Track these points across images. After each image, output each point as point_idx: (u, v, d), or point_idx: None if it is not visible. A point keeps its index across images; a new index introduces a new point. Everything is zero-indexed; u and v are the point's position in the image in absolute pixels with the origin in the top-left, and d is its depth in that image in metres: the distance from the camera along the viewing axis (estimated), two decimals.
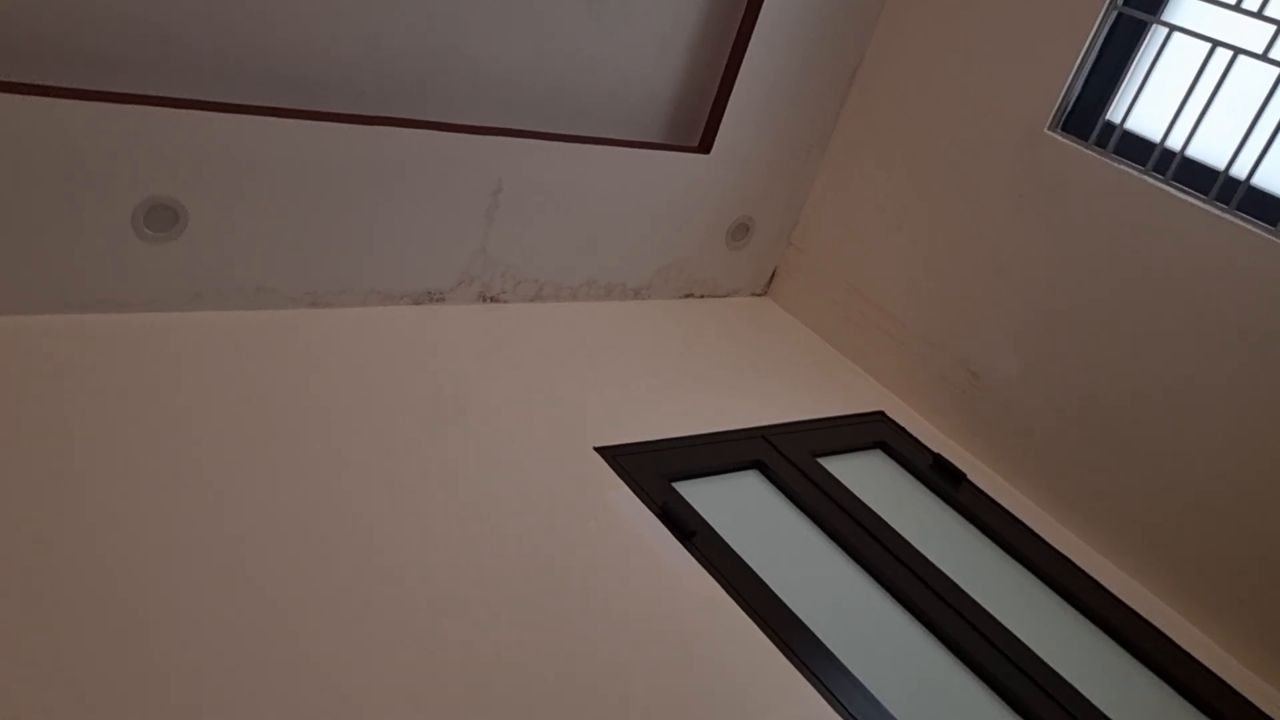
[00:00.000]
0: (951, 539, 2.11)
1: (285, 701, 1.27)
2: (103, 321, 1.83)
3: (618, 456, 1.94)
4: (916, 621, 1.83)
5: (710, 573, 1.73)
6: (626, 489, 1.86)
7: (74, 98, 1.66)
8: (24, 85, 1.63)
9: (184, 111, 1.76)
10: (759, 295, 2.87)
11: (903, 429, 2.42)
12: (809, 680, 1.58)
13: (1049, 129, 2.24)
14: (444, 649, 1.42)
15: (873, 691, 1.60)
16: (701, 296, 2.74)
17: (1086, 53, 2.18)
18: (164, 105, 1.74)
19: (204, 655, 1.29)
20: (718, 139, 2.48)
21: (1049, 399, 2.25)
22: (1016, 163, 2.29)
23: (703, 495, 1.95)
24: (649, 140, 2.47)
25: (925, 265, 2.49)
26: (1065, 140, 2.21)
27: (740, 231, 2.69)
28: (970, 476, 2.28)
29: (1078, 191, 2.18)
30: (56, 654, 1.23)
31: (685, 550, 1.76)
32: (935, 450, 2.35)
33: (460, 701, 1.35)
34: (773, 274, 2.86)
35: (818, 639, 1.67)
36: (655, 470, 1.95)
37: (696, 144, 2.52)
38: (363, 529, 1.58)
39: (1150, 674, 1.90)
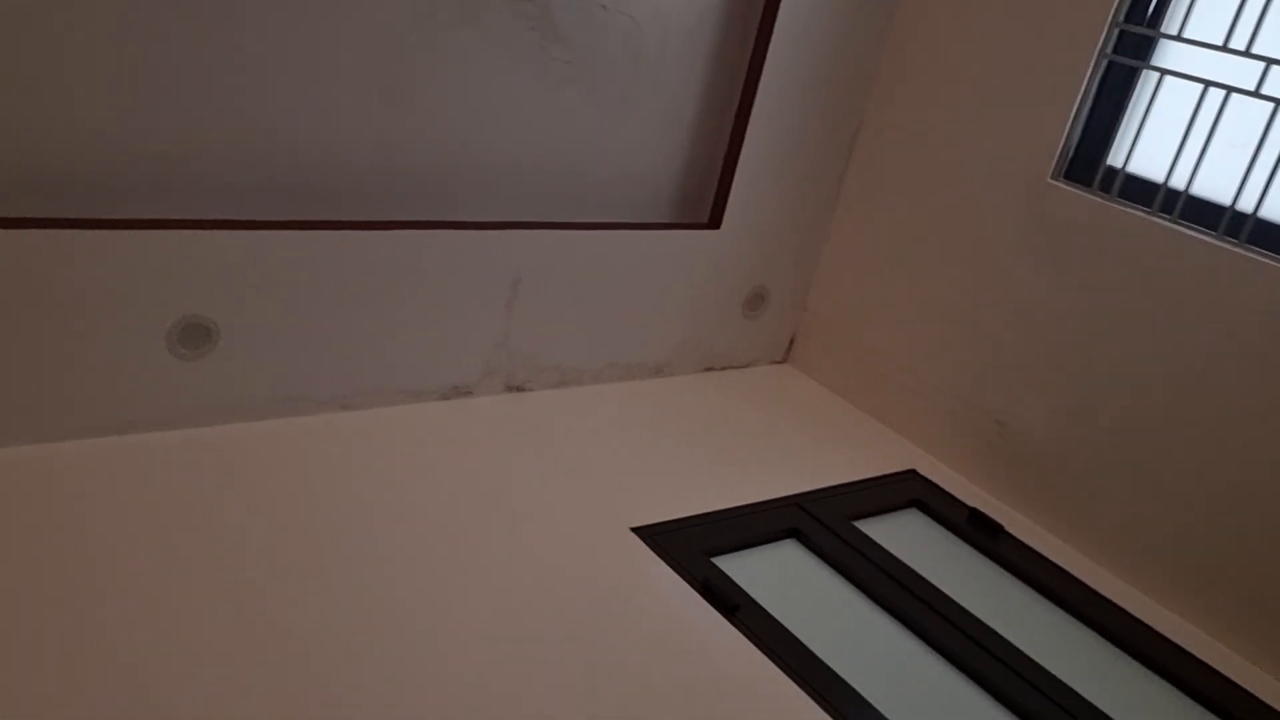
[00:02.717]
0: (995, 592, 2.09)
1: None
2: (142, 441, 1.87)
3: (655, 535, 1.95)
4: (967, 678, 1.81)
5: (757, 645, 1.72)
6: (666, 567, 1.87)
7: (101, 228, 1.72)
8: (54, 220, 1.69)
9: (210, 232, 1.81)
10: (779, 363, 2.89)
11: (936, 485, 2.41)
12: None
13: (1052, 178, 2.27)
14: None
15: None
16: (722, 369, 2.76)
17: (1081, 101, 2.22)
18: (190, 228, 1.80)
19: None
20: (726, 213, 2.53)
21: (1078, 442, 2.25)
22: (1024, 213, 2.32)
23: (742, 568, 1.95)
24: (659, 220, 2.52)
25: (943, 319, 2.51)
26: (1070, 188, 2.25)
27: (755, 301, 2.73)
28: (1008, 528, 2.27)
29: (1087, 237, 2.21)
30: None
31: (729, 625, 1.76)
32: (970, 504, 2.34)
33: None
34: (791, 340, 2.88)
35: (870, 704, 1.65)
36: (693, 547, 1.95)
37: (706, 220, 2.57)
38: (408, 622, 1.58)
39: (1211, 716, 1.86)
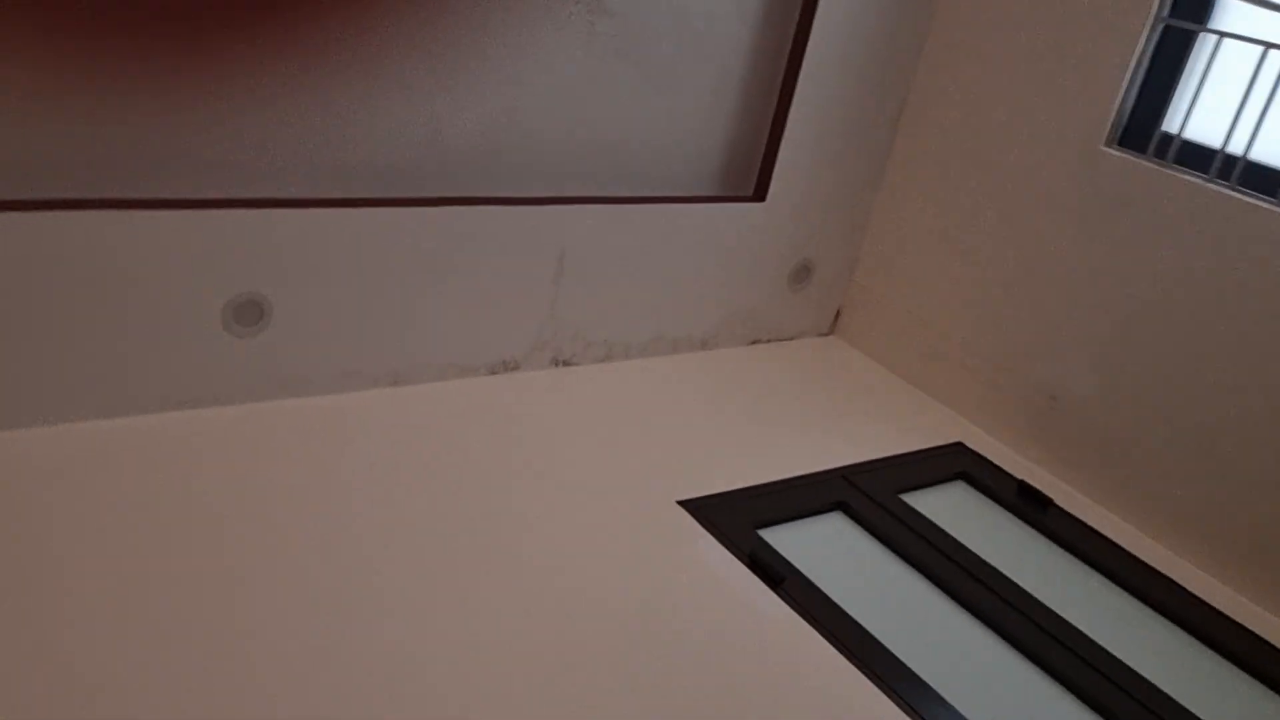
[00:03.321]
0: (1043, 565, 2.08)
1: None
2: (200, 416, 1.92)
3: (701, 508, 1.96)
4: (1016, 651, 1.81)
5: (803, 617, 1.73)
6: (713, 540, 1.88)
7: (157, 208, 1.76)
8: (112, 201, 1.74)
9: (263, 210, 1.85)
10: (825, 335, 2.88)
11: (983, 458, 2.40)
12: (911, 718, 1.57)
13: (1105, 145, 2.23)
14: (543, 711, 1.44)
15: None
16: (768, 341, 2.76)
17: (1136, 66, 2.17)
18: (244, 207, 1.83)
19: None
20: (772, 185, 2.52)
21: (1132, 415, 2.22)
22: (1076, 181, 2.29)
23: (789, 540, 1.96)
24: (705, 193, 2.51)
25: (992, 290, 2.48)
26: (1124, 155, 2.21)
27: (801, 274, 2.72)
28: (1057, 501, 2.26)
29: (1142, 204, 2.17)
30: None
31: (776, 597, 1.77)
32: (1019, 477, 2.33)
33: None
34: (837, 313, 2.87)
35: (917, 676, 1.66)
36: (739, 519, 1.96)
37: (751, 192, 2.56)
38: (461, 594, 1.62)
39: (1266, 690, 1.84)
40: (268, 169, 1.91)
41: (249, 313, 1.91)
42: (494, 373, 2.29)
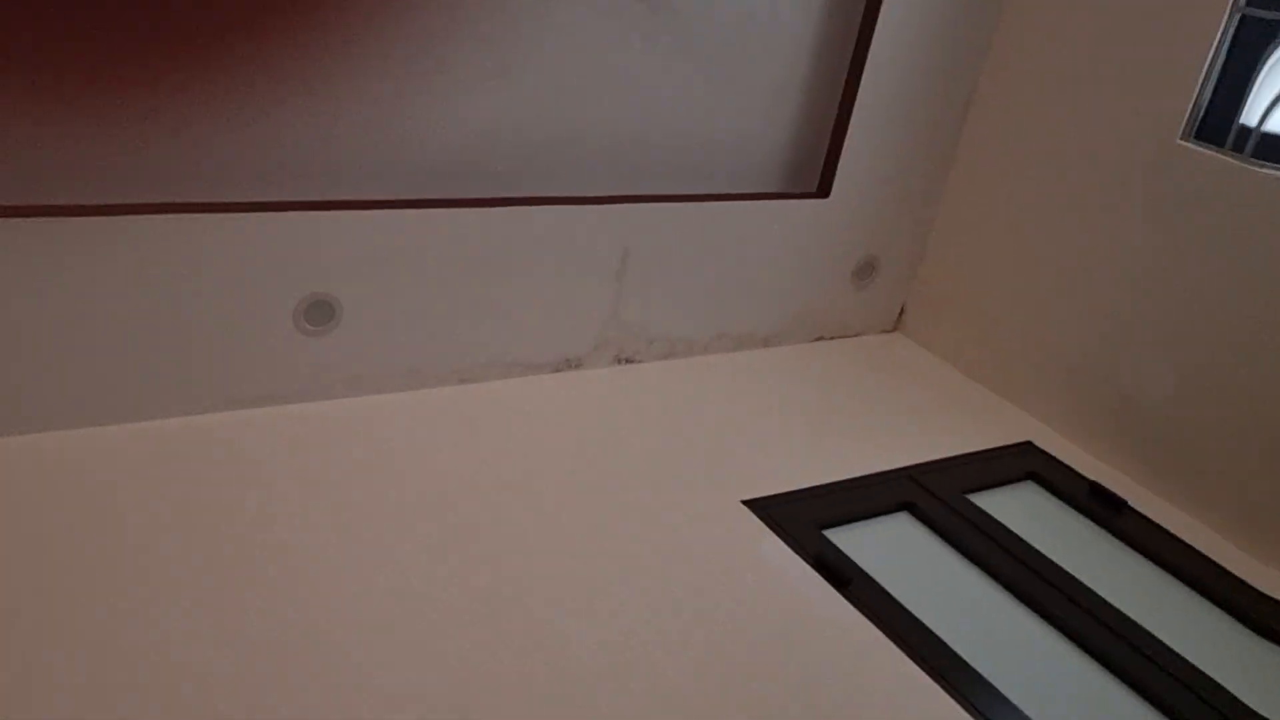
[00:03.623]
0: (1116, 568, 2.04)
1: None
2: (272, 414, 1.96)
3: (766, 508, 1.96)
4: (1086, 655, 1.77)
5: (870, 619, 1.72)
6: (778, 540, 1.87)
7: (234, 211, 1.80)
8: (189, 205, 1.78)
9: (333, 213, 1.88)
10: (889, 332, 2.85)
11: (1053, 458, 2.36)
12: None
13: (1181, 139, 2.18)
14: (613, 712, 1.45)
15: None
16: (832, 338, 2.74)
17: (1213, 58, 2.12)
18: (315, 209, 1.87)
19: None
20: (835, 181, 2.50)
21: (1207, 415, 2.16)
22: (1150, 176, 2.23)
23: (854, 541, 1.94)
24: (768, 190, 2.50)
25: (1063, 287, 2.43)
26: (1200, 149, 2.15)
27: (866, 270, 2.69)
28: (1131, 502, 2.21)
29: (1219, 199, 2.11)
30: None
31: (842, 598, 1.76)
32: (1090, 478, 2.28)
33: None
34: (901, 309, 2.84)
35: (985, 680, 1.64)
36: (804, 519, 1.95)
37: (815, 189, 2.54)
38: (524, 593, 1.63)
39: None
40: (333, 172, 1.94)
41: (319, 312, 1.95)
42: (558, 371, 2.31)
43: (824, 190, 2.52)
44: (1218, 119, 2.17)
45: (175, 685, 1.36)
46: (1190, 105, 2.16)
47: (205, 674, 1.39)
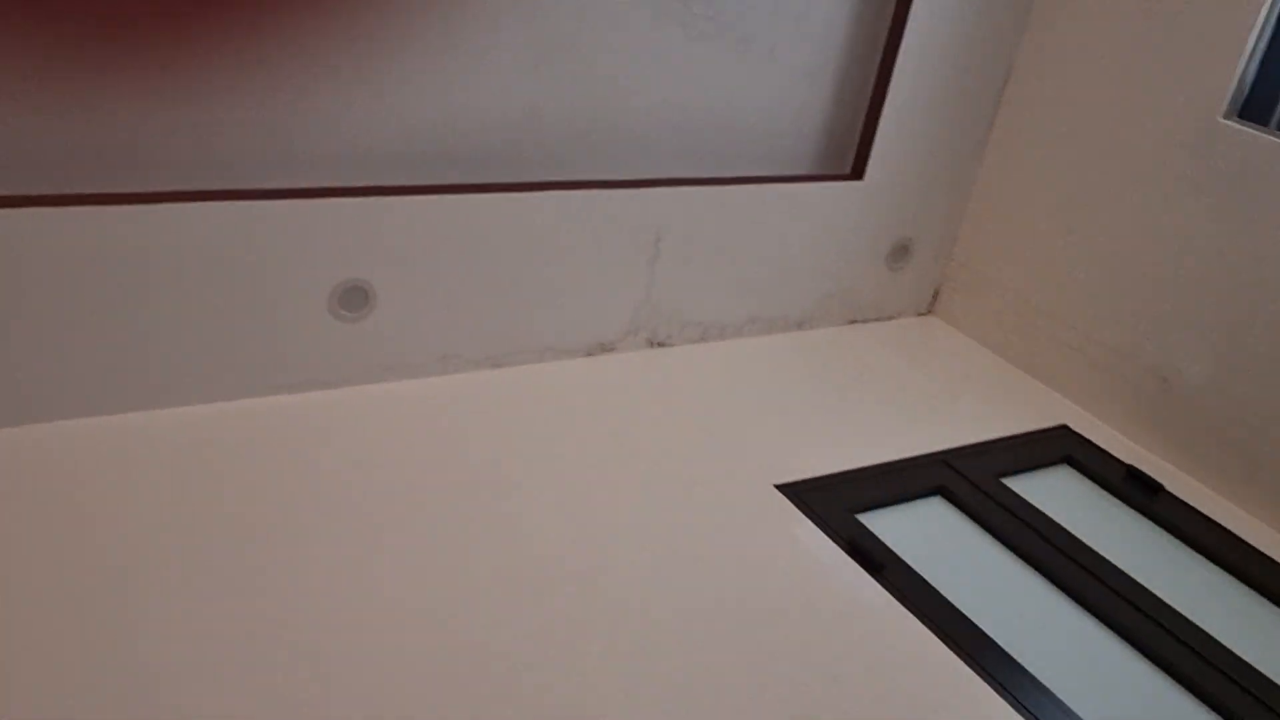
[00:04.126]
0: (1153, 553, 2.02)
1: None
2: (308, 400, 1.98)
3: (800, 492, 1.96)
4: (1122, 640, 1.76)
5: (904, 604, 1.72)
6: (811, 525, 1.87)
7: (269, 198, 1.82)
8: (225, 192, 1.80)
9: (368, 199, 1.89)
10: (923, 315, 2.83)
11: (1089, 442, 2.33)
12: (1015, 709, 1.54)
13: (1224, 117, 2.14)
14: (648, 696, 1.46)
15: (1083, 717, 1.55)
16: (865, 321, 2.73)
17: (1258, 34, 2.07)
18: (349, 195, 1.88)
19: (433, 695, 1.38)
20: (869, 164, 2.48)
21: (1252, 398, 2.13)
22: (1191, 155, 2.19)
23: (888, 525, 1.94)
24: (801, 173, 2.48)
25: (1101, 269, 2.40)
26: (1244, 127, 2.11)
27: (900, 253, 2.67)
28: (1168, 486, 2.19)
29: (1263, 179, 2.07)
30: None
31: (876, 583, 1.76)
32: (1127, 461, 2.26)
33: None
34: (936, 292, 2.82)
35: (1020, 665, 1.63)
36: (838, 504, 1.95)
37: (849, 171, 2.52)
38: (557, 575, 1.64)
39: None
40: (365, 157, 1.95)
41: (355, 298, 1.96)
42: (590, 354, 2.31)
43: (858, 172, 2.50)
44: (1261, 97, 2.12)
45: (235, 666, 1.39)
46: (1233, 83, 2.11)
47: (259, 656, 1.41)
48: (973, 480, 2.10)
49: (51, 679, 1.33)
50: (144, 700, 1.32)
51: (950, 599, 1.75)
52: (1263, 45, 2.09)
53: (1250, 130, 2.10)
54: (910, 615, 1.70)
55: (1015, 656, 1.65)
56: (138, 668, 1.37)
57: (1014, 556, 1.94)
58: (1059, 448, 2.30)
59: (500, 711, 1.39)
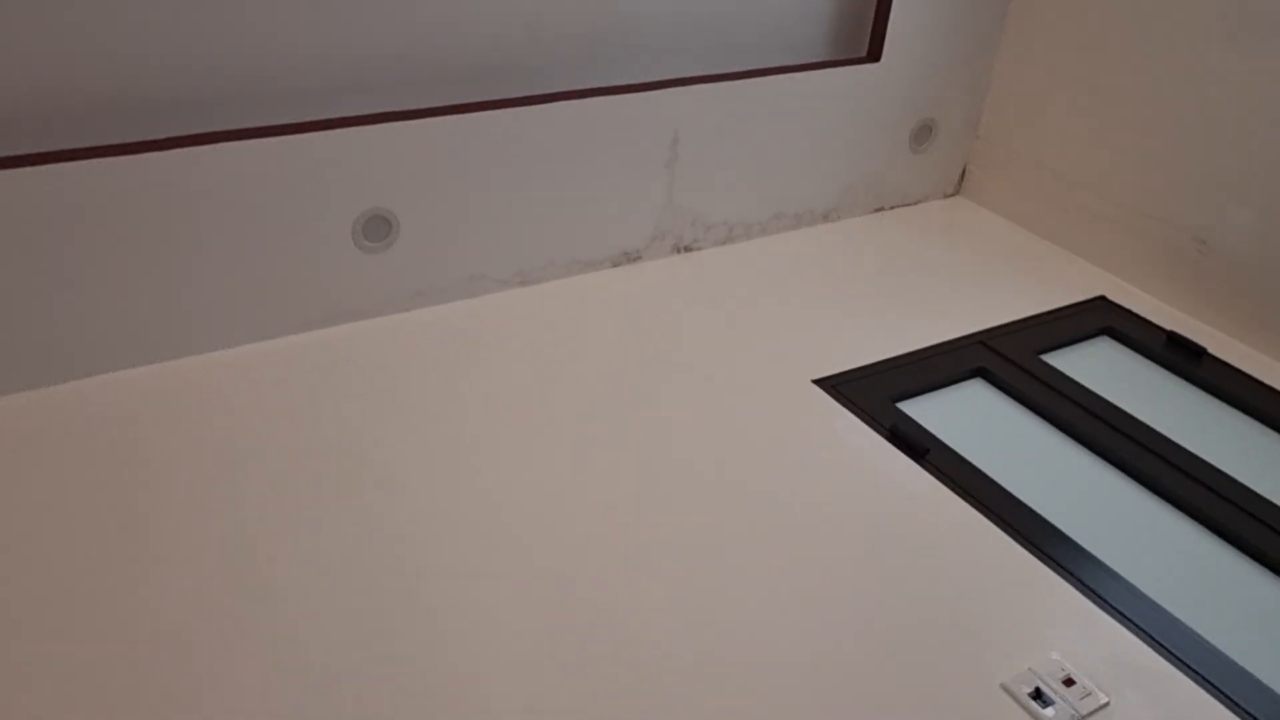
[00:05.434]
0: (1199, 417, 2.01)
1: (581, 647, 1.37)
2: (340, 332, 1.99)
3: (838, 385, 1.95)
4: (1173, 507, 1.76)
5: (950, 488, 1.72)
6: (851, 416, 1.87)
7: (284, 133, 1.79)
8: (240, 131, 1.78)
9: (380, 126, 1.86)
10: (951, 196, 2.78)
11: (1128, 311, 2.30)
12: (1069, 581, 1.55)
13: None
14: (699, 592, 1.49)
15: (1136, 584, 1.56)
16: (893, 208, 2.68)
17: None
18: (361, 124, 1.85)
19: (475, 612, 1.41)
20: (886, 44, 2.40)
21: None
22: (1224, 2, 2.11)
23: (929, 411, 1.94)
24: (816, 60, 2.42)
25: (1131, 132, 2.34)
26: None
27: (923, 134, 2.61)
28: (1211, 350, 2.16)
29: None
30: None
31: (920, 469, 1.76)
32: (1168, 328, 2.23)
33: (725, 638, 1.42)
34: (963, 172, 2.76)
35: (1070, 539, 1.64)
36: (877, 394, 1.95)
37: (865, 53, 2.45)
38: (606, 484, 1.66)
39: None
40: (368, 84, 1.92)
41: (378, 227, 1.95)
42: (617, 265, 2.30)
43: (874, 54, 2.43)
44: None
45: (311, 601, 1.43)
46: None
47: (289, 589, 1.45)
48: (1012, 359, 2.08)
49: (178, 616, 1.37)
50: (265, 617, 1.36)
51: (997, 479, 1.75)
52: None
53: None
54: (956, 498, 1.70)
55: (1067, 532, 1.66)
56: (264, 591, 1.41)
57: (1059, 433, 1.93)
58: (1097, 319, 2.27)
59: (561, 616, 1.43)
